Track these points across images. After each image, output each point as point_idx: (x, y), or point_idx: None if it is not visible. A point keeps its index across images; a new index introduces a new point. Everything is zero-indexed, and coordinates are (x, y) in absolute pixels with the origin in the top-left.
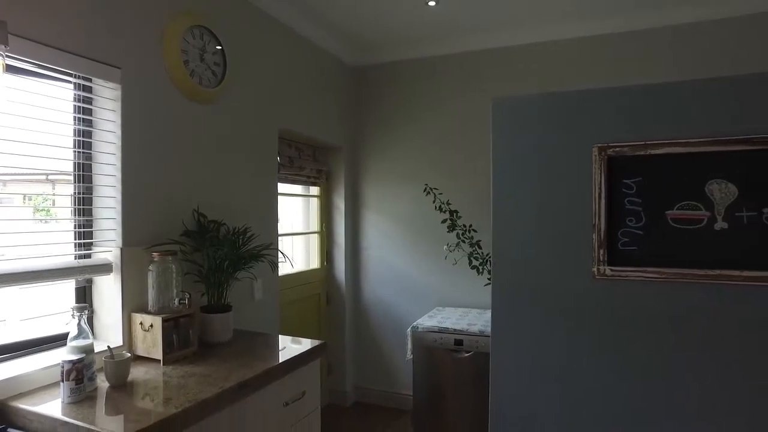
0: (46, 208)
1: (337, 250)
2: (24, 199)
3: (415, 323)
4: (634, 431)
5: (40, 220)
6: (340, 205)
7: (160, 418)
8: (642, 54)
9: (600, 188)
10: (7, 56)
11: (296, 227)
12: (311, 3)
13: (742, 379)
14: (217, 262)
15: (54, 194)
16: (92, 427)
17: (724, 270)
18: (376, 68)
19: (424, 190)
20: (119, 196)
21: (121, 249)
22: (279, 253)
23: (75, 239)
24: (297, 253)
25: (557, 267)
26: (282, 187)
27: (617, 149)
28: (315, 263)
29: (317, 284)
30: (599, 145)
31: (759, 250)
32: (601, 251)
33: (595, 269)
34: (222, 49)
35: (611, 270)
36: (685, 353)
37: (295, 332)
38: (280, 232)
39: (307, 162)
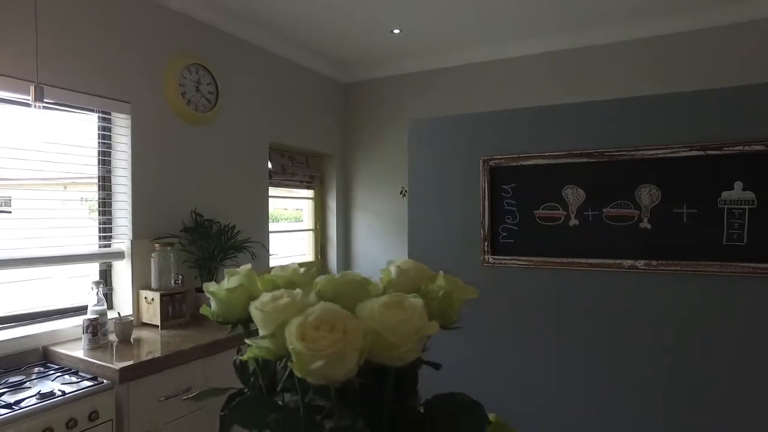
0: (89, 208)
1: (330, 245)
2: (61, 201)
3: None
4: (518, 379)
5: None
6: (332, 205)
7: (147, 358)
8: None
9: (484, 192)
10: (48, 102)
11: (298, 226)
12: (295, 34)
13: (585, 346)
14: (208, 252)
15: (86, 199)
16: (99, 362)
17: (574, 258)
18: (362, 84)
19: (400, 192)
20: (130, 200)
21: (132, 241)
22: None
23: (99, 233)
24: (294, 247)
25: (458, 255)
26: (278, 191)
27: (497, 160)
28: (310, 256)
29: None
30: (483, 157)
31: (600, 243)
32: (486, 243)
33: (482, 257)
34: (215, 80)
35: (493, 258)
36: (544, 325)
37: None
38: (276, 229)
39: (299, 169)
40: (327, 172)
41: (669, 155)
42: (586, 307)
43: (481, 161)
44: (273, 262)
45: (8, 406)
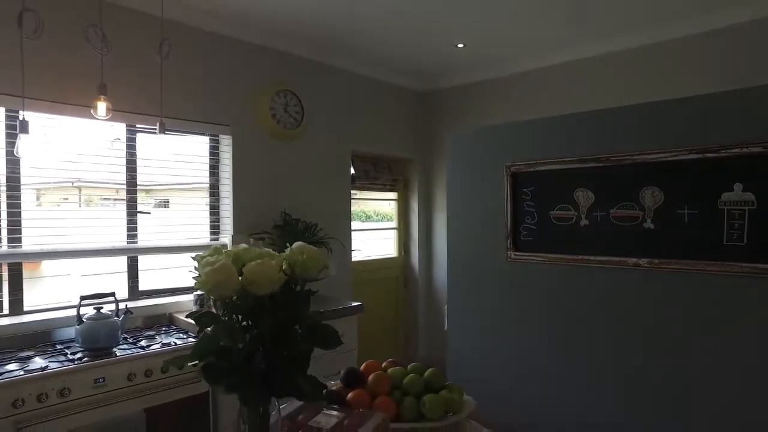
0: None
1: (413, 243)
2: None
3: None
4: (531, 361)
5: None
6: (414, 207)
7: None
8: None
9: (507, 195)
10: (169, 129)
11: (384, 226)
12: (373, 54)
13: (591, 335)
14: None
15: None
16: None
17: (584, 256)
18: (437, 93)
19: None
20: (232, 203)
21: (233, 235)
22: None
23: (210, 229)
24: (378, 244)
25: (487, 252)
26: (364, 194)
27: (517, 166)
28: (394, 253)
29: (395, 269)
30: (507, 164)
31: (607, 241)
32: (509, 241)
33: (506, 254)
34: (300, 102)
35: (515, 254)
36: (557, 312)
37: (374, 305)
38: (362, 228)
39: (382, 173)
40: (410, 175)
41: (670, 158)
42: (594, 300)
43: (504, 167)
44: (355, 257)
45: (143, 347)
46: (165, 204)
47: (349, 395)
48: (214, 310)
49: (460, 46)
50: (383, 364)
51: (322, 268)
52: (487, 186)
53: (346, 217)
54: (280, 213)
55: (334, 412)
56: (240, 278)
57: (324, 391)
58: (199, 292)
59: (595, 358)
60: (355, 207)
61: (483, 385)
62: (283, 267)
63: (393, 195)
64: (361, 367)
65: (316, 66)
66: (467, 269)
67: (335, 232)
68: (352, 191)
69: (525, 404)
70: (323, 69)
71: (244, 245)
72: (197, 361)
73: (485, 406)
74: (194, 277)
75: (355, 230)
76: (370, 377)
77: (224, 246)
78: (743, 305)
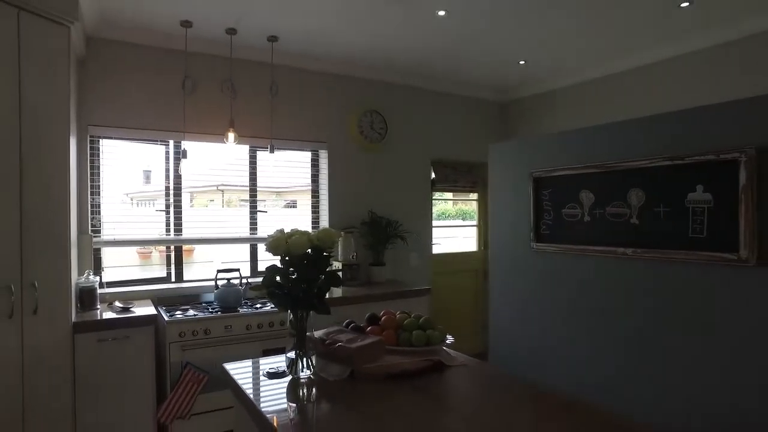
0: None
1: None
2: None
3: None
4: (548, 324)
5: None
6: None
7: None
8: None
9: (530, 197)
10: (279, 147)
11: (466, 223)
12: (449, 74)
13: (591, 309)
14: (377, 239)
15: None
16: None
17: (587, 246)
18: (510, 103)
19: None
20: (327, 204)
21: None
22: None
23: (311, 223)
24: (461, 240)
25: (517, 243)
26: (445, 195)
27: (538, 172)
28: (475, 248)
29: (476, 263)
30: (530, 171)
31: (603, 234)
32: (532, 234)
33: (530, 244)
34: (384, 119)
35: (536, 245)
36: (567, 290)
37: (453, 293)
38: (443, 224)
39: (461, 176)
40: (488, 177)
41: (649, 165)
42: (592, 281)
43: (529, 173)
44: (435, 250)
45: (256, 308)
46: (293, 204)
47: (368, 329)
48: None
49: (522, 63)
50: (397, 314)
51: (332, 242)
52: (518, 188)
53: (427, 215)
54: (367, 212)
55: (351, 334)
56: (286, 243)
57: (352, 324)
58: None
59: (593, 324)
60: (443, 207)
61: (516, 342)
62: (310, 239)
63: (474, 195)
64: (381, 314)
65: (397, 88)
66: (503, 257)
67: (416, 229)
68: (434, 193)
69: (543, 357)
70: (404, 90)
71: (297, 230)
72: (265, 289)
73: (518, 361)
74: (265, 244)
75: (435, 227)
76: (383, 319)
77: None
78: (703, 286)
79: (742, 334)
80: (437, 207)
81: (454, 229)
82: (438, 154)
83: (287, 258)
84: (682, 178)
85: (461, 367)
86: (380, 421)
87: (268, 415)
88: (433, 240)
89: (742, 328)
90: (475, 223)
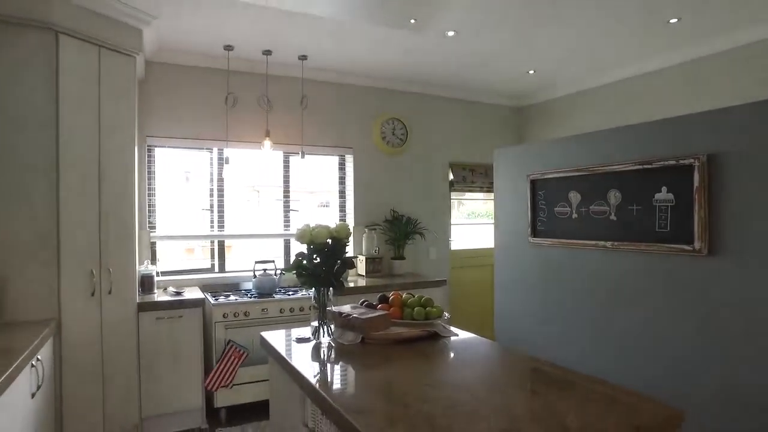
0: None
1: None
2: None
3: None
4: (542, 306)
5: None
6: None
7: (352, 285)
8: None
9: (527, 197)
10: (308, 154)
11: (481, 221)
12: (466, 83)
13: (576, 288)
14: (398, 234)
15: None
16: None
17: (574, 240)
18: (529, 107)
19: None
20: (353, 204)
21: (353, 227)
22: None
23: (338, 220)
24: (480, 237)
25: (518, 237)
26: (465, 195)
27: (534, 176)
28: (491, 244)
29: (491, 258)
30: (527, 174)
31: (587, 229)
32: (529, 229)
33: (528, 239)
34: (405, 125)
35: (533, 239)
36: (558, 277)
37: (470, 285)
38: (460, 222)
39: (479, 178)
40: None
41: (624, 169)
42: (578, 269)
43: (526, 176)
44: (454, 246)
45: (289, 295)
46: (326, 204)
47: (378, 306)
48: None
49: (531, 72)
50: (403, 295)
51: (346, 234)
52: (518, 189)
53: (446, 214)
54: (389, 210)
55: (363, 309)
56: (311, 235)
57: (366, 302)
58: None
59: (578, 306)
60: (472, 207)
61: (516, 322)
62: (330, 232)
63: (491, 195)
64: (390, 294)
65: (416, 97)
66: (507, 251)
67: (436, 227)
68: (453, 193)
69: (538, 336)
70: (422, 98)
71: (324, 224)
72: (293, 270)
73: (525, 340)
74: (295, 234)
75: (454, 224)
76: (391, 298)
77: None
78: (667, 272)
79: (696, 310)
80: (466, 207)
81: (473, 227)
82: (456, 157)
83: (311, 246)
84: (650, 180)
85: (454, 337)
86: (384, 373)
87: (297, 369)
88: (454, 237)
89: (697, 305)
90: (492, 221)
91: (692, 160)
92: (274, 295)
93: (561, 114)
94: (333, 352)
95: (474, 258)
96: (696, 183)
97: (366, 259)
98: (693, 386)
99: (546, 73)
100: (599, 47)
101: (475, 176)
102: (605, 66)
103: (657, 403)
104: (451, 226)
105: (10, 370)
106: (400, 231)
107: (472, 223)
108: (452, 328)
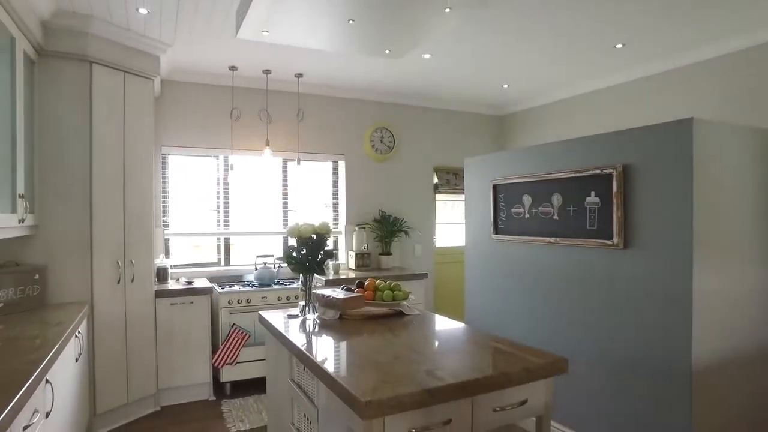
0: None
1: None
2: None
3: None
4: (503, 294)
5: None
6: None
7: (343, 277)
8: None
9: (490, 199)
10: (304, 160)
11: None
12: (448, 95)
13: (529, 284)
14: (385, 232)
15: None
16: (324, 278)
17: (527, 237)
18: (509, 116)
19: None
20: (345, 205)
21: (345, 225)
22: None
23: (332, 220)
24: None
25: (483, 234)
26: (447, 197)
27: (496, 181)
28: None
29: None
30: (490, 180)
31: (536, 227)
32: (491, 227)
33: (490, 236)
34: (392, 134)
35: (494, 236)
36: (516, 269)
37: (454, 279)
38: (443, 222)
39: (461, 181)
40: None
41: (564, 176)
42: (531, 262)
43: (490, 181)
44: (438, 243)
45: (286, 285)
46: (322, 205)
47: (355, 290)
48: (294, 244)
49: (506, 86)
50: (376, 281)
51: (327, 231)
52: (483, 192)
53: (431, 214)
54: (378, 210)
55: (342, 292)
56: (298, 231)
57: (346, 287)
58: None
59: (528, 291)
60: (460, 208)
61: (483, 306)
62: (314, 229)
63: None
64: (366, 281)
65: (403, 108)
66: (474, 245)
67: (421, 226)
68: (438, 195)
69: (500, 318)
70: (409, 109)
71: (310, 222)
72: (285, 259)
73: (489, 321)
74: (286, 231)
75: (439, 224)
76: (367, 283)
77: (340, 231)
78: (596, 263)
79: (613, 294)
80: (459, 209)
81: (457, 226)
82: (440, 162)
83: (299, 240)
84: (583, 186)
85: (416, 315)
86: (355, 340)
87: (288, 337)
88: (438, 235)
89: (614, 290)
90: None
91: (611, 170)
92: (272, 285)
93: (536, 123)
94: (316, 326)
95: (455, 254)
96: (614, 188)
97: (356, 254)
98: (603, 351)
99: (519, 86)
100: (561, 66)
101: (458, 179)
102: (565, 83)
103: (547, 354)
104: (436, 225)
105: (66, 333)
106: (387, 229)
107: (455, 222)
108: (415, 308)
